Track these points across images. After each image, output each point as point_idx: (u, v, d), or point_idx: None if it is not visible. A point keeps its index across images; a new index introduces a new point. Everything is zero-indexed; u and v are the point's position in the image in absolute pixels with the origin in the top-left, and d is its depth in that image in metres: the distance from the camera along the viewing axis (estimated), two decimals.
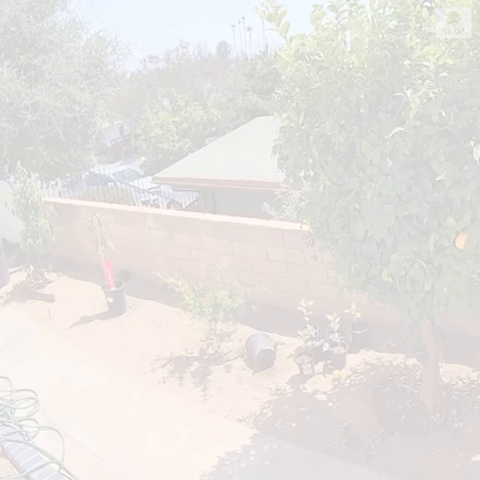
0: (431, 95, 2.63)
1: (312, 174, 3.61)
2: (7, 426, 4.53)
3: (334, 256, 3.68)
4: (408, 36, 2.87)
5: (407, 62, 2.88)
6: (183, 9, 72.90)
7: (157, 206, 13.44)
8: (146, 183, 14.97)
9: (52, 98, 8.82)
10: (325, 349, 4.89)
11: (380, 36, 2.89)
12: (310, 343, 4.79)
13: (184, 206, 13.36)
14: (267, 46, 28.75)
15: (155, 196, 14.62)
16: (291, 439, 4.06)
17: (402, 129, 2.75)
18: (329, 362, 4.82)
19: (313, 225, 3.84)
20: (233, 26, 33.95)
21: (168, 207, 13.37)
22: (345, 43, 3.11)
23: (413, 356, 4.10)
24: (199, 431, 4.29)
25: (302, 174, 3.66)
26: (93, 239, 6.39)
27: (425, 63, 2.83)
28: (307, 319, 4.76)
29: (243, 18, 33.10)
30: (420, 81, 2.79)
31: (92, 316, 6.34)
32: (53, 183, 10.53)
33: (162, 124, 24.51)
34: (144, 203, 13.66)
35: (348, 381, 4.58)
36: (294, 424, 4.22)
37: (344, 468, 3.70)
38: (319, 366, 4.79)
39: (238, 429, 4.26)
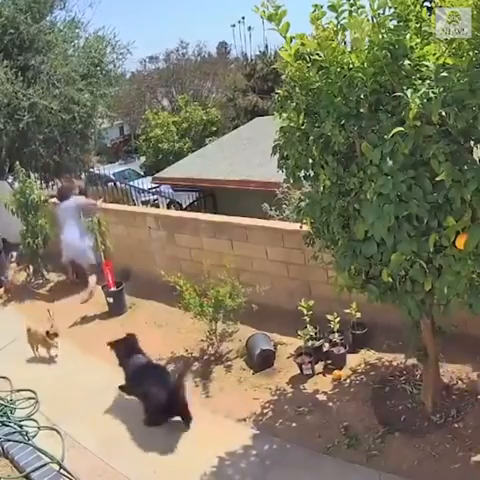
0: (431, 95, 2.63)
1: (312, 174, 3.62)
2: (7, 426, 4.53)
3: (334, 256, 3.68)
4: (408, 36, 2.87)
5: (407, 62, 2.88)
6: (183, 9, 72.82)
7: (157, 206, 13.44)
8: (146, 183, 14.97)
9: (49, 99, 8.82)
10: (325, 349, 4.89)
11: (380, 36, 2.89)
12: (310, 343, 4.79)
13: (184, 206, 13.36)
14: (267, 46, 28.75)
15: (155, 196, 14.63)
16: (291, 439, 4.06)
17: (402, 129, 2.75)
18: (329, 362, 4.82)
19: (313, 225, 3.85)
20: (233, 26, 33.92)
21: (168, 207, 13.36)
22: (345, 43, 3.11)
23: (413, 356, 4.11)
24: (199, 431, 4.29)
25: (302, 174, 3.66)
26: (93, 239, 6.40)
27: (425, 63, 2.83)
28: (307, 319, 4.77)
29: (243, 18, 33.01)
30: (420, 81, 2.79)
31: (92, 316, 6.35)
32: (52, 183, 10.54)
33: (162, 124, 24.51)
34: (144, 203, 13.67)
35: (348, 381, 4.58)
36: (294, 424, 4.22)
37: (344, 468, 3.70)
38: (319, 366, 4.79)
39: (238, 429, 4.26)
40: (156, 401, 4.30)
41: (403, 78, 2.90)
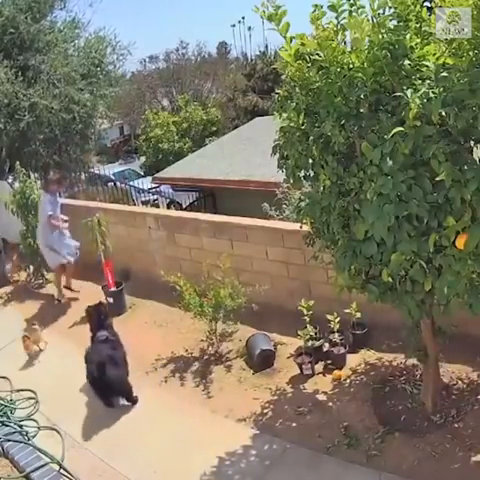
0: (431, 95, 2.63)
1: (312, 174, 3.62)
2: (7, 426, 4.53)
3: (334, 256, 3.68)
4: (408, 36, 2.87)
5: (407, 62, 2.88)
6: (183, 9, 72.89)
7: (157, 206, 13.44)
8: (146, 183, 14.98)
9: (49, 99, 8.82)
10: (325, 349, 4.89)
11: (380, 36, 2.89)
12: (310, 343, 4.79)
13: (184, 206, 13.36)
14: (267, 46, 28.81)
15: (155, 196, 14.64)
16: (291, 439, 4.06)
17: (402, 129, 2.75)
18: (329, 362, 4.82)
19: (313, 225, 3.85)
20: (233, 26, 33.99)
21: (168, 207, 13.36)
22: (345, 43, 3.11)
23: (413, 356, 4.10)
24: (199, 431, 4.29)
25: (302, 174, 3.66)
26: (93, 239, 6.39)
27: (425, 63, 2.84)
28: (307, 319, 4.77)
29: (243, 18, 33.13)
30: (420, 81, 2.79)
31: None
32: None
33: (162, 124, 24.52)
34: (144, 203, 13.68)
35: (348, 381, 4.58)
36: (294, 424, 4.22)
37: (344, 468, 3.70)
38: (319, 366, 4.79)
39: (238, 429, 4.26)
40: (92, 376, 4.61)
41: (403, 78, 2.90)
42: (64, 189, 10.34)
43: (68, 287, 6.90)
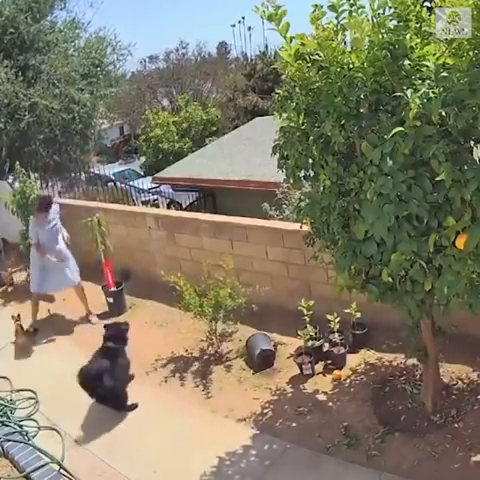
0: (431, 95, 2.63)
1: (312, 174, 3.62)
2: (7, 426, 4.53)
3: (334, 256, 3.68)
4: (408, 36, 2.87)
5: (407, 62, 2.88)
6: (183, 9, 72.89)
7: (157, 206, 13.43)
8: (146, 183, 14.98)
9: (49, 99, 8.83)
10: (325, 349, 4.90)
11: (380, 36, 2.89)
12: (310, 343, 4.79)
13: (184, 206, 13.36)
14: (267, 46, 28.82)
15: (155, 196, 14.63)
16: (291, 439, 4.06)
17: (402, 129, 2.75)
18: (329, 362, 4.82)
19: (313, 225, 3.85)
20: (233, 26, 34.01)
21: (168, 207, 13.36)
22: (345, 43, 3.11)
23: (413, 356, 4.10)
24: (199, 431, 4.29)
25: (302, 174, 3.66)
26: (93, 239, 6.39)
27: (425, 63, 2.84)
28: (307, 319, 4.77)
29: (243, 18, 33.15)
30: (420, 81, 2.79)
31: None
32: (51, 183, 10.53)
33: (162, 124, 24.52)
34: (144, 203, 13.67)
35: (348, 381, 4.58)
36: (294, 424, 4.22)
37: (344, 468, 3.70)
38: (319, 366, 4.80)
39: (238, 429, 4.26)
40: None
41: (403, 78, 2.90)
42: (64, 189, 10.36)
43: (89, 311, 6.36)
